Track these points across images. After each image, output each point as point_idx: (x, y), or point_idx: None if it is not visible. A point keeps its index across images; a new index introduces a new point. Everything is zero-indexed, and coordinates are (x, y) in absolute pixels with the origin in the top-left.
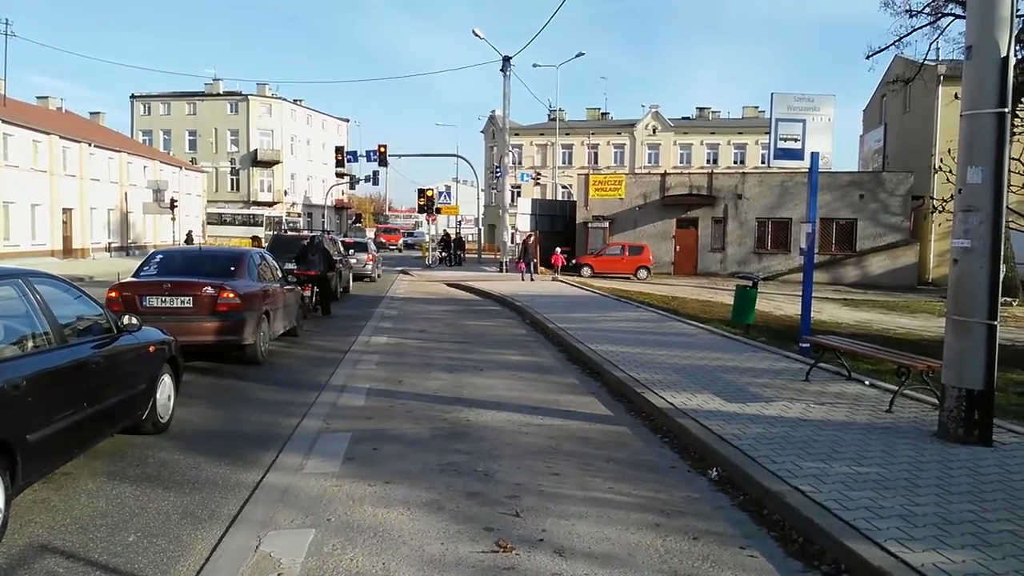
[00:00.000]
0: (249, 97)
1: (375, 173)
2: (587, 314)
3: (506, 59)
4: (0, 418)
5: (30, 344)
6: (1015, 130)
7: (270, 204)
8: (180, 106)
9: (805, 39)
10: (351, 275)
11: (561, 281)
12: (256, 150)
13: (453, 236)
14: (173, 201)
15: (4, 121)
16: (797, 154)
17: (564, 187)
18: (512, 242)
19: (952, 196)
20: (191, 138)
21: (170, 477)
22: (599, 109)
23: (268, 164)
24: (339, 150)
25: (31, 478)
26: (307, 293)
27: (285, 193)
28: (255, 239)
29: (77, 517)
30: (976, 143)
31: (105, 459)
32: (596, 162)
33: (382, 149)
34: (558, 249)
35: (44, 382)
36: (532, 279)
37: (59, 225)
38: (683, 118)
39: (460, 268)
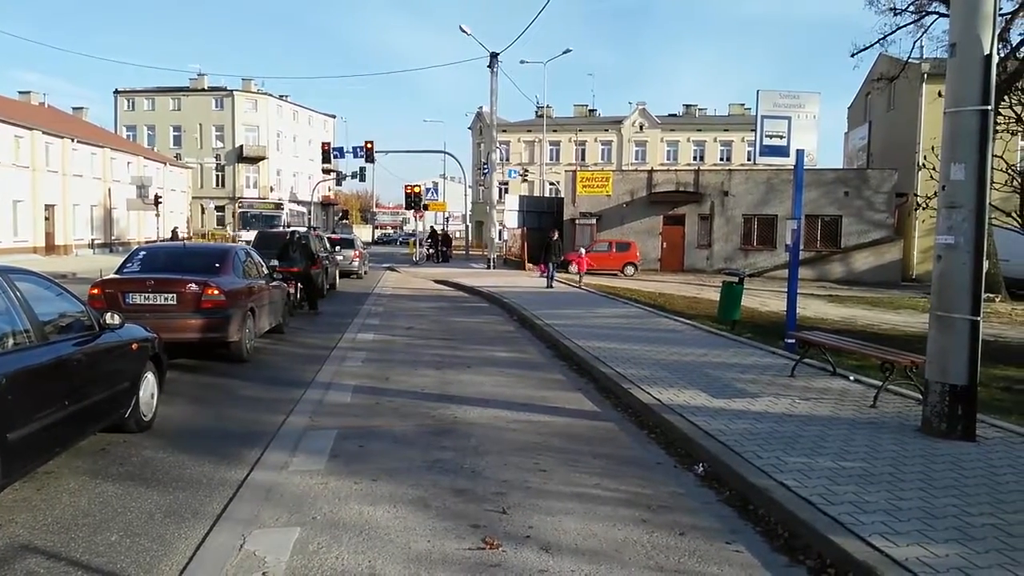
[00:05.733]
0: (234, 92)
1: (362, 169)
2: (574, 310)
3: (493, 55)
4: None
5: (10, 342)
6: (998, 127)
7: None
8: (164, 101)
9: (790, 37)
10: (338, 272)
11: (586, 288)
12: (241, 146)
13: (441, 232)
14: (157, 197)
15: None
16: (783, 151)
17: (552, 184)
18: (500, 239)
19: (936, 193)
20: (176, 134)
21: (153, 476)
22: (586, 106)
23: (254, 160)
24: (325, 146)
25: (12, 477)
26: (292, 290)
27: (271, 189)
28: None
29: (59, 516)
30: (959, 140)
31: (87, 458)
32: (584, 159)
33: (369, 145)
34: (582, 250)
35: (24, 380)
36: (552, 285)
37: (41, 221)
38: (670, 115)
39: (447, 265)
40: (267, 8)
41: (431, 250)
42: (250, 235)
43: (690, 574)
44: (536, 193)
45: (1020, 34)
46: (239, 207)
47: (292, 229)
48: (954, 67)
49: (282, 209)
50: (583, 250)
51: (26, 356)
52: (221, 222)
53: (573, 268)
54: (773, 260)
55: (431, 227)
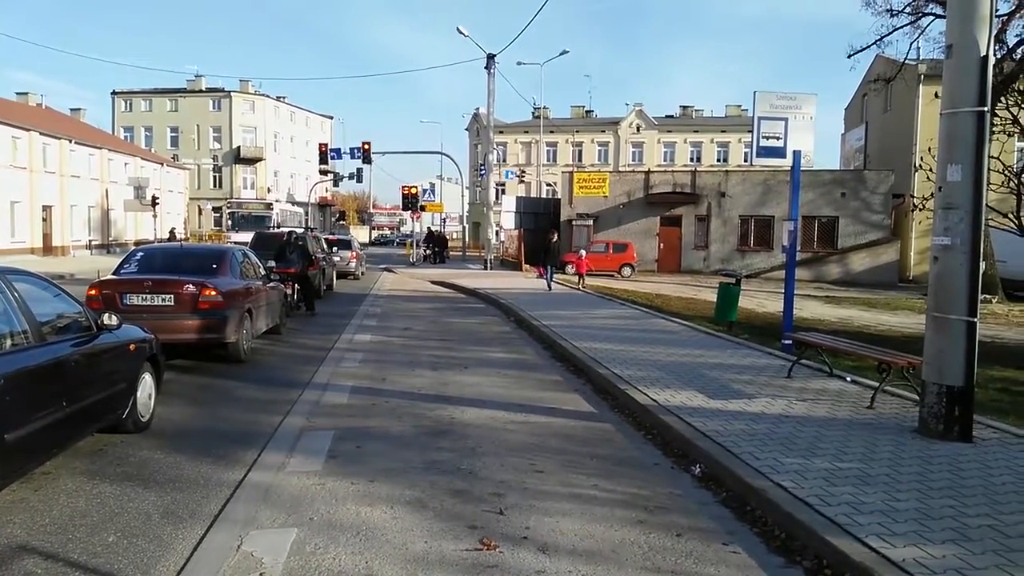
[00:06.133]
0: (232, 94)
1: (359, 171)
2: (571, 311)
3: (490, 57)
4: None
5: (8, 342)
6: (994, 129)
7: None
8: (162, 103)
9: (788, 38)
10: (335, 273)
11: (583, 290)
12: (239, 147)
13: (436, 233)
14: (155, 198)
15: None
16: (779, 152)
17: (548, 185)
18: (497, 240)
19: (932, 194)
20: (173, 135)
21: (151, 476)
22: (583, 107)
23: (251, 161)
24: (323, 147)
25: (9, 478)
26: (289, 291)
27: (268, 190)
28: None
29: (56, 517)
30: (956, 141)
31: (85, 458)
32: (580, 160)
33: (366, 146)
34: (582, 252)
35: (22, 380)
36: (551, 287)
37: (39, 222)
38: (667, 116)
39: (444, 265)
40: (264, 10)
41: (428, 251)
42: (239, 236)
43: (687, 575)
44: (533, 194)
45: (1017, 36)
46: (227, 207)
47: (290, 230)
48: (951, 69)
49: (272, 209)
50: (583, 252)
51: (24, 357)
52: (219, 223)
53: (570, 269)
54: (770, 261)
55: (428, 228)
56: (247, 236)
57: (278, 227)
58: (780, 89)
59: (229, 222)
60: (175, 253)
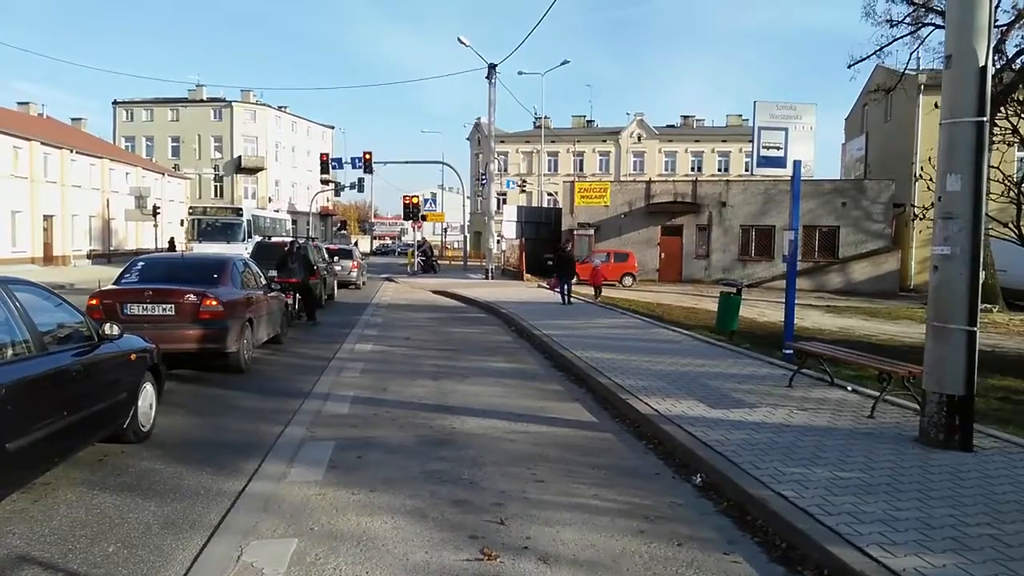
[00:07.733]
0: (233, 103)
1: (360, 180)
2: (572, 321)
3: (491, 66)
4: None
5: (9, 352)
6: (994, 138)
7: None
8: (163, 112)
9: (788, 48)
10: (336, 282)
11: (585, 300)
12: (240, 157)
13: (427, 243)
14: (156, 208)
15: None
16: (780, 162)
17: (550, 194)
18: (498, 248)
19: (932, 203)
20: (174, 144)
21: (151, 486)
22: (584, 117)
23: (252, 171)
24: (324, 157)
25: (10, 488)
26: (289, 301)
27: (269, 200)
28: None
29: (56, 528)
30: (955, 151)
31: (85, 468)
32: (581, 169)
33: (367, 156)
34: (596, 261)
35: (23, 390)
36: (570, 301)
37: (39, 232)
38: (668, 126)
39: (444, 275)
40: (266, 20)
41: (424, 261)
42: (204, 247)
43: None
44: (534, 204)
45: (1016, 46)
46: (191, 214)
47: (291, 239)
48: (950, 79)
49: (242, 216)
50: (598, 260)
51: (25, 366)
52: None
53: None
54: (771, 270)
55: (423, 237)
56: (213, 247)
57: (250, 237)
58: (780, 99)
59: (194, 231)
60: (176, 263)
